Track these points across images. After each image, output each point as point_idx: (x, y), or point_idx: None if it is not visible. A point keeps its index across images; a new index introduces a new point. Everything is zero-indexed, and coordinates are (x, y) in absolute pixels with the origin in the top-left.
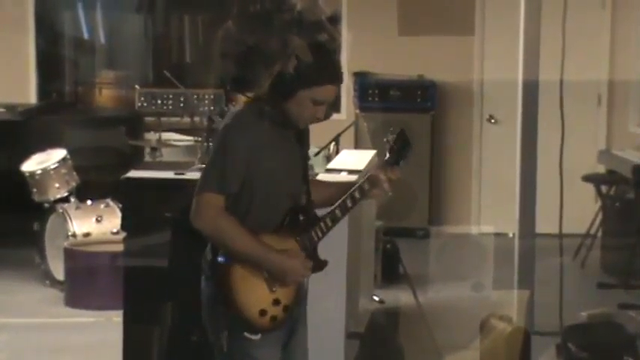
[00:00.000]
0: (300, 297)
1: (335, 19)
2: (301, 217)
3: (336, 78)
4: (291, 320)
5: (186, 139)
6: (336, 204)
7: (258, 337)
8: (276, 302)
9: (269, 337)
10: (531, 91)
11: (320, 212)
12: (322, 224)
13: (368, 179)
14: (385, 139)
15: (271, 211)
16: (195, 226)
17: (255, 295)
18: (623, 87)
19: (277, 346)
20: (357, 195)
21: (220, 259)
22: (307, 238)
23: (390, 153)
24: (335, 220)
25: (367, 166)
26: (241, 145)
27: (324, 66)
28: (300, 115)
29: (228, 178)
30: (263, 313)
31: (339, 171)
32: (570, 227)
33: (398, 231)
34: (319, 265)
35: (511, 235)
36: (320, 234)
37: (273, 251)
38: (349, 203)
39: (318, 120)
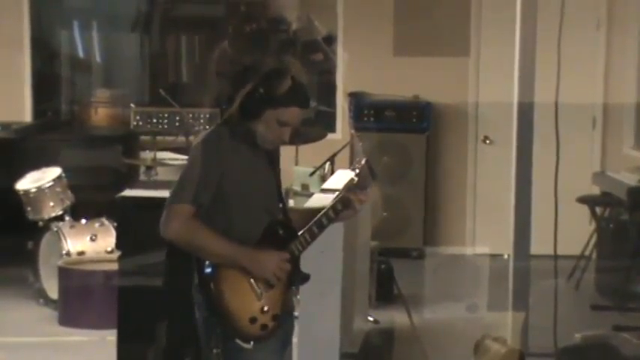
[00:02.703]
0: (288, 307)
1: (330, 40)
2: (280, 232)
3: (303, 101)
4: (285, 332)
5: (181, 158)
6: (313, 221)
7: (250, 345)
8: (265, 310)
9: (262, 347)
10: (526, 112)
11: None
12: (302, 239)
13: (341, 200)
14: (352, 167)
15: (250, 226)
16: (165, 236)
17: (244, 303)
18: (617, 109)
19: (273, 357)
20: (331, 214)
21: (207, 270)
22: (288, 252)
23: (357, 178)
24: (313, 236)
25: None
26: (211, 160)
27: (292, 88)
28: (266, 135)
29: (197, 190)
30: (253, 320)
31: (334, 191)
32: (565, 249)
33: (393, 251)
34: (302, 278)
35: (506, 256)
36: (300, 248)
37: (244, 246)
38: (325, 221)
39: (284, 142)
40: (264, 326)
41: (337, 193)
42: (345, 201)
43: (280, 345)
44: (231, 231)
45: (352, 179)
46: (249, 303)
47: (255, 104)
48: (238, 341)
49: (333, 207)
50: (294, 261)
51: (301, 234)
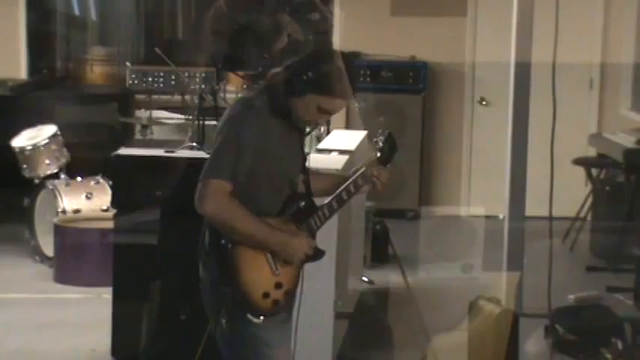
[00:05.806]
0: (299, 281)
1: None
2: (301, 205)
3: (348, 94)
4: (292, 302)
5: (176, 117)
6: (333, 196)
7: (260, 320)
8: (279, 286)
9: (272, 320)
10: (523, 73)
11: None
12: (320, 213)
13: (362, 175)
14: (374, 140)
15: (273, 197)
16: (200, 211)
17: (259, 278)
18: (615, 70)
19: (283, 329)
20: (352, 189)
21: (224, 241)
22: (307, 225)
23: (380, 153)
24: (332, 211)
25: (358, 153)
26: (249, 134)
27: (340, 80)
28: (303, 116)
29: (236, 167)
30: (266, 295)
31: (330, 151)
32: (560, 210)
33: (388, 212)
34: (319, 253)
35: (501, 217)
36: (318, 222)
37: (278, 231)
38: (345, 196)
39: (318, 125)
40: (275, 302)
41: (359, 167)
42: (366, 176)
43: (286, 317)
44: (253, 199)
45: (374, 154)
46: (263, 278)
47: (301, 85)
48: (249, 316)
49: (354, 182)
50: (312, 235)
51: (320, 208)
